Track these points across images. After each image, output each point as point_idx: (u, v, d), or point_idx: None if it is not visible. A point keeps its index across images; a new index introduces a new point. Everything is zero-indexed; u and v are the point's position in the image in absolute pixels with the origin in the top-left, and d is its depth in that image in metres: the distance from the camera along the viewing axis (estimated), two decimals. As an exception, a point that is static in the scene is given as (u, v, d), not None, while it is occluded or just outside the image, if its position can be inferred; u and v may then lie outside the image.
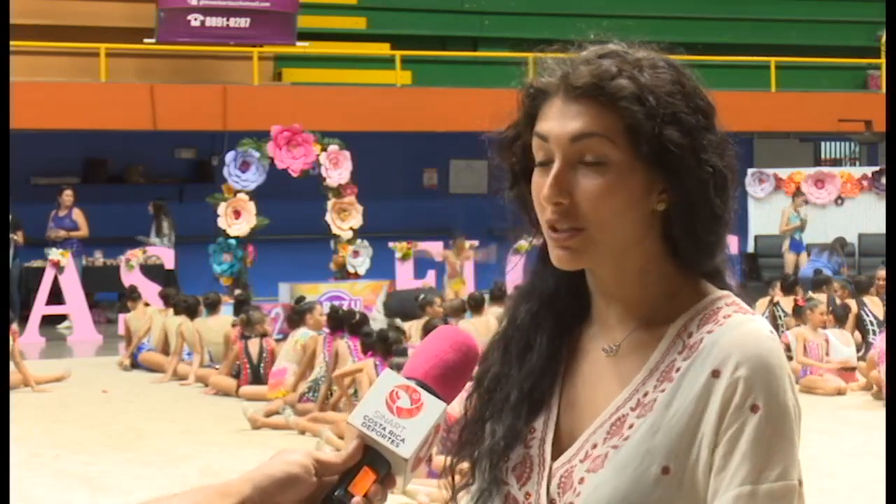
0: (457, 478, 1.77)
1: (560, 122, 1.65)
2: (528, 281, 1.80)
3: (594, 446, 1.66)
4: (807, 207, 19.01)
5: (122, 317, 16.09)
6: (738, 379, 1.60)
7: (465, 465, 1.77)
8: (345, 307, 13.20)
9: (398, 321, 11.96)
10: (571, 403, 1.72)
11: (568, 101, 1.65)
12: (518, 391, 1.74)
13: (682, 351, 1.66)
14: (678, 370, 1.64)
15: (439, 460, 1.84)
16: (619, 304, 1.71)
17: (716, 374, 1.61)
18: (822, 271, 16.05)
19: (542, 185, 1.65)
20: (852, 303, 13.53)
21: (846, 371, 12.09)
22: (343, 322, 11.00)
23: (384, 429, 1.53)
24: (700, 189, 1.64)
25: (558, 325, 1.76)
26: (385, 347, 9.70)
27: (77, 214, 17.69)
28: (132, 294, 14.98)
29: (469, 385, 1.74)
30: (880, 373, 11.11)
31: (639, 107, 1.62)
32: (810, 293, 14.12)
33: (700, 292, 1.70)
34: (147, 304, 14.77)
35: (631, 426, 1.64)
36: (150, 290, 15.57)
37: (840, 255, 18.43)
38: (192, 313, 13.30)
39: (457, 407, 1.74)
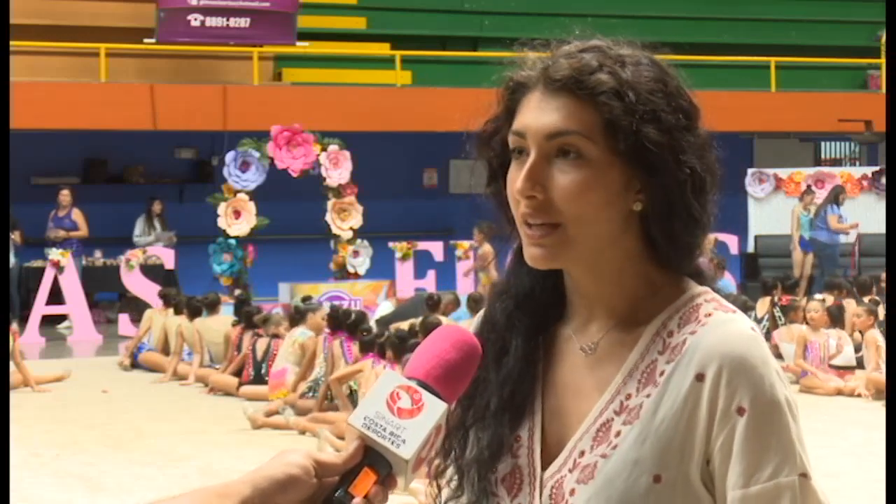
0: (442, 484, 1.74)
1: (537, 116, 1.63)
2: (504, 280, 1.77)
3: (582, 454, 1.63)
4: (814, 207, 18.96)
5: (121, 316, 16.12)
6: (721, 382, 1.57)
7: (450, 474, 1.73)
8: (344, 307, 13.18)
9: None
10: (556, 409, 1.69)
11: (547, 94, 1.63)
12: (498, 398, 1.70)
13: (664, 351, 1.63)
14: (662, 373, 1.62)
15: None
16: (597, 303, 1.69)
17: (700, 377, 1.59)
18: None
19: (516, 178, 1.63)
20: (851, 303, 13.51)
21: (846, 371, 12.07)
22: (342, 322, 10.98)
23: (385, 429, 1.52)
24: (677, 189, 1.61)
25: (534, 325, 1.73)
26: (401, 348, 9.54)
27: (76, 214, 17.68)
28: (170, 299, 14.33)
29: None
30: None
31: (617, 102, 1.59)
32: (816, 295, 14.07)
33: (679, 289, 1.68)
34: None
35: (618, 433, 1.61)
36: (150, 290, 15.57)
37: (838, 203, 18.29)
38: (192, 313, 13.29)
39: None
